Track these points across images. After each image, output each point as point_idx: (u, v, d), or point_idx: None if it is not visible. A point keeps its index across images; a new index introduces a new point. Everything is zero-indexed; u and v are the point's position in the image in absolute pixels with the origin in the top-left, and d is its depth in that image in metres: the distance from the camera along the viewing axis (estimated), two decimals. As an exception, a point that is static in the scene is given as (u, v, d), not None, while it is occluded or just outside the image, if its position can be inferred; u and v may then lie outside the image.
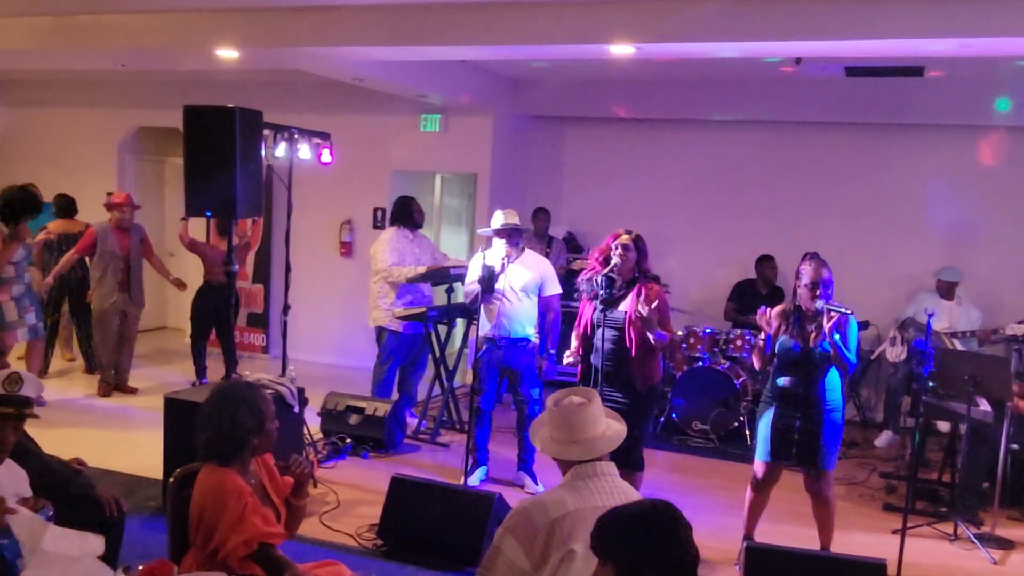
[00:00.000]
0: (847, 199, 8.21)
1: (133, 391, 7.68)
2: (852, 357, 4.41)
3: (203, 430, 2.95)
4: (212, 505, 2.87)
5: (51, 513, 2.56)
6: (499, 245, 5.49)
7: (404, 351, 6.91)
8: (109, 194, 8.09)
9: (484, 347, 5.58)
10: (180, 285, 7.91)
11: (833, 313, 4.32)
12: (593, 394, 2.82)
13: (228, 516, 2.84)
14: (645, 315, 4.55)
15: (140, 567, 2.11)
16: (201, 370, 7.69)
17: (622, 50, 5.61)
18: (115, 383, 7.70)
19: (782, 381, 4.54)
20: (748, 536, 4.78)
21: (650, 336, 4.61)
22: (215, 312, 7.39)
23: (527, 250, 5.70)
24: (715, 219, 8.62)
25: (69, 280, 7.87)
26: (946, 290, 7.19)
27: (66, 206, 8.10)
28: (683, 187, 8.69)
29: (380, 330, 6.86)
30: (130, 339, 7.79)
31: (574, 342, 4.95)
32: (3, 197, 6.58)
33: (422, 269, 6.68)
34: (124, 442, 6.34)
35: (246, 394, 3.02)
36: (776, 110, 8.14)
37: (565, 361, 5.00)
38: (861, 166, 8.18)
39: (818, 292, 4.39)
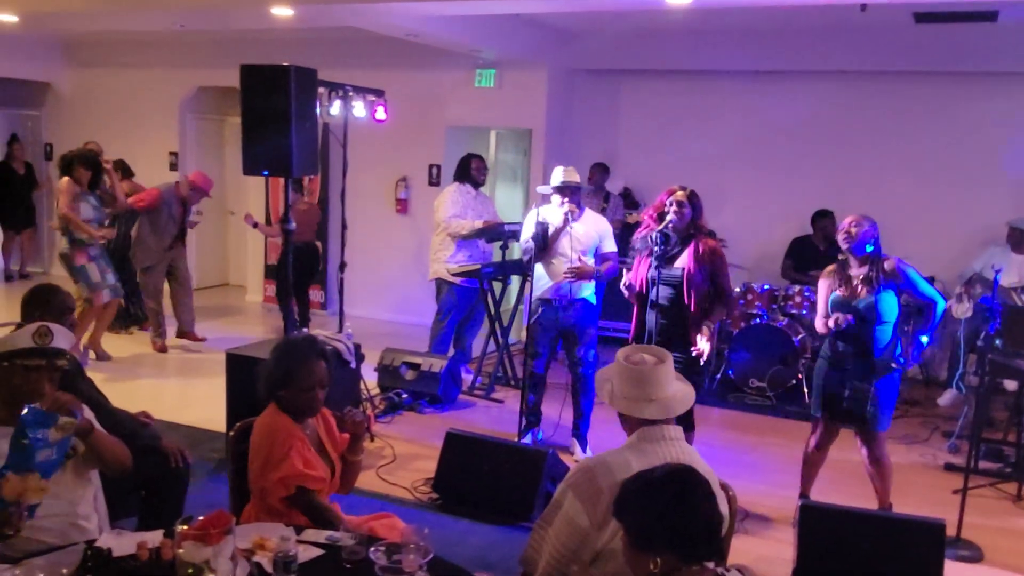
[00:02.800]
0: (912, 152, 7.95)
1: (201, 339, 7.85)
2: (931, 292, 4.38)
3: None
4: (261, 447, 2.97)
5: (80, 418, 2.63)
6: (556, 202, 5.38)
7: (462, 308, 6.97)
8: (173, 154, 8.17)
9: (540, 309, 5.48)
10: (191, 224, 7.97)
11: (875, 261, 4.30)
12: (666, 354, 2.78)
13: (272, 456, 2.92)
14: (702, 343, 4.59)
15: (200, 518, 2.17)
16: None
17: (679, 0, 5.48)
18: (180, 332, 7.91)
19: (836, 338, 4.47)
20: (804, 495, 4.74)
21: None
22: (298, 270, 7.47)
23: (586, 209, 5.61)
24: (773, 173, 8.43)
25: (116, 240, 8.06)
26: (1018, 240, 6.93)
27: (123, 169, 8.28)
28: (741, 141, 8.50)
29: (439, 284, 6.92)
30: (187, 286, 7.93)
31: (626, 276, 4.86)
32: (60, 159, 7.01)
33: (479, 224, 6.70)
34: (188, 396, 6.54)
35: (284, 346, 3.17)
36: (839, 60, 7.87)
37: (622, 285, 4.83)
38: (928, 117, 7.89)
39: (853, 231, 4.33)
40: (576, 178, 5.39)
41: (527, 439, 5.61)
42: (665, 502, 2.04)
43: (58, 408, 2.54)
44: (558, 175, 5.37)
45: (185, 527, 2.16)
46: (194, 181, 7.69)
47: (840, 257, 4.49)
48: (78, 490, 2.79)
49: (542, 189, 5.57)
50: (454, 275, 6.74)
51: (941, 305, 4.42)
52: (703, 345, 4.59)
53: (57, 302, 3.73)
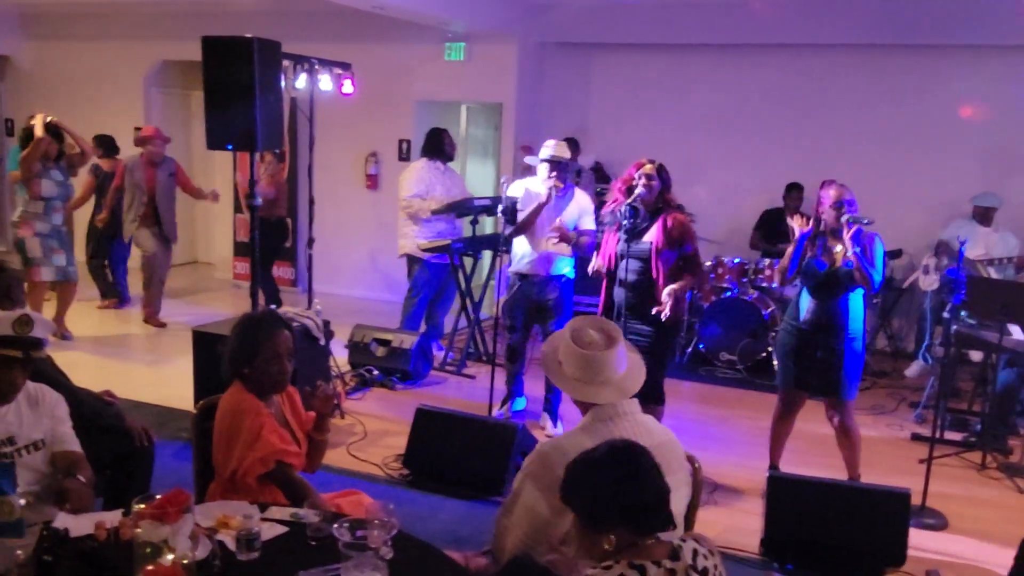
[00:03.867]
0: (880, 124, 7.98)
1: (162, 325, 7.78)
2: (877, 275, 4.32)
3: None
4: (229, 425, 2.92)
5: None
6: (543, 174, 5.28)
7: (434, 285, 6.92)
8: (137, 129, 8.11)
9: (516, 284, 5.49)
10: (214, 198, 7.85)
11: (853, 225, 4.26)
12: (617, 331, 2.72)
13: (245, 434, 2.88)
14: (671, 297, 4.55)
15: (157, 497, 2.14)
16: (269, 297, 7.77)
17: (648, -29, 5.43)
18: (145, 317, 7.83)
19: (804, 307, 4.49)
20: (773, 465, 4.79)
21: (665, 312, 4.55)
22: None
23: (573, 187, 5.53)
24: (744, 146, 8.44)
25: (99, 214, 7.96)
26: (982, 216, 7.01)
27: (107, 145, 8.15)
28: (711, 114, 8.49)
29: (410, 261, 6.86)
30: (158, 274, 7.81)
31: (595, 259, 4.87)
32: (23, 130, 6.90)
33: (435, 204, 6.61)
34: (156, 374, 6.46)
35: (246, 321, 3.12)
36: (808, 32, 7.86)
37: (590, 269, 4.88)
38: (896, 90, 7.92)
39: (843, 209, 4.32)
40: (567, 154, 5.35)
41: (501, 411, 5.62)
42: (612, 478, 2.03)
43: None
44: (548, 148, 5.32)
45: (143, 506, 2.13)
46: (140, 135, 7.58)
47: (819, 229, 4.46)
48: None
49: (530, 160, 5.52)
50: (424, 251, 6.69)
51: (870, 288, 4.38)
52: (665, 296, 4.55)
53: (3, 279, 3.65)
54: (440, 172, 6.79)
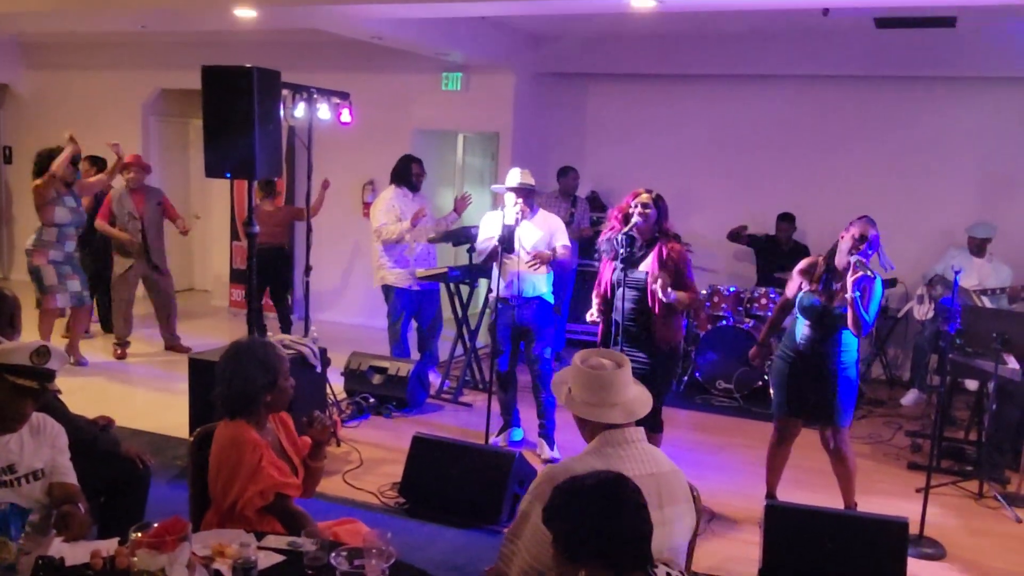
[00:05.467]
0: (875, 155, 8.05)
1: (187, 350, 7.59)
2: (869, 318, 4.32)
3: (218, 386, 2.99)
4: (228, 458, 2.91)
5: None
6: (510, 201, 5.38)
7: (412, 307, 6.89)
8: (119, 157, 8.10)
9: (498, 308, 5.54)
10: (184, 230, 7.81)
11: (859, 270, 4.24)
12: (624, 358, 2.75)
13: (244, 468, 2.87)
14: (664, 298, 4.51)
15: (155, 525, 2.13)
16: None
17: (644, 3, 5.50)
18: (167, 344, 7.83)
19: (799, 337, 4.51)
20: (770, 494, 4.77)
21: (662, 297, 4.54)
22: (266, 274, 7.35)
23: (539, 209, 5.65)
24: (739, 176, 8.50)
25: (92, 244, 7.92)
26: (977, 246, 7.05)
27: (101, 165, 8.16)
28: (707, 144, 8.56)
29: (386, 288, 6.87)
30: (167, 299, 7.81)
31: (595, 300, 4.91)
32: (37, 155, 6.94)
33: (406, 226, 6.59)
34: (153, 402, 6.44)
35: (258, 350, 3.04)
36: (802, 64, 7.96)
37: (588, 319, 4.97)
38: (890, 121, 8.00)
39: (862, 246, 4.29)
40: (531, 181, 5.46)
41: (498, 439, 5.62)
42: (593, 511, 2.01)
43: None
44: (515, 176, 5.41)
45: (140, 534, 2.12)
46: (127, 162, 7.52)
47: (828, 261, 4.45)
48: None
49: (496, 188, 5.61)
50: (420, 279, 6.70)
51: (859, 334, 4.38)
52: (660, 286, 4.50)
53: (6, 306, 3.65)
54: (408, 199, 6.79)
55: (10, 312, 3.65)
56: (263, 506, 2.89)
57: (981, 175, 7.74)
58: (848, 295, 4.22)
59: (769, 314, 7.14)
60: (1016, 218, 7.53)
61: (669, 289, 4.52)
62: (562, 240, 5.53)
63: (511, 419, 5.81)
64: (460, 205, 6.96)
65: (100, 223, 7.46)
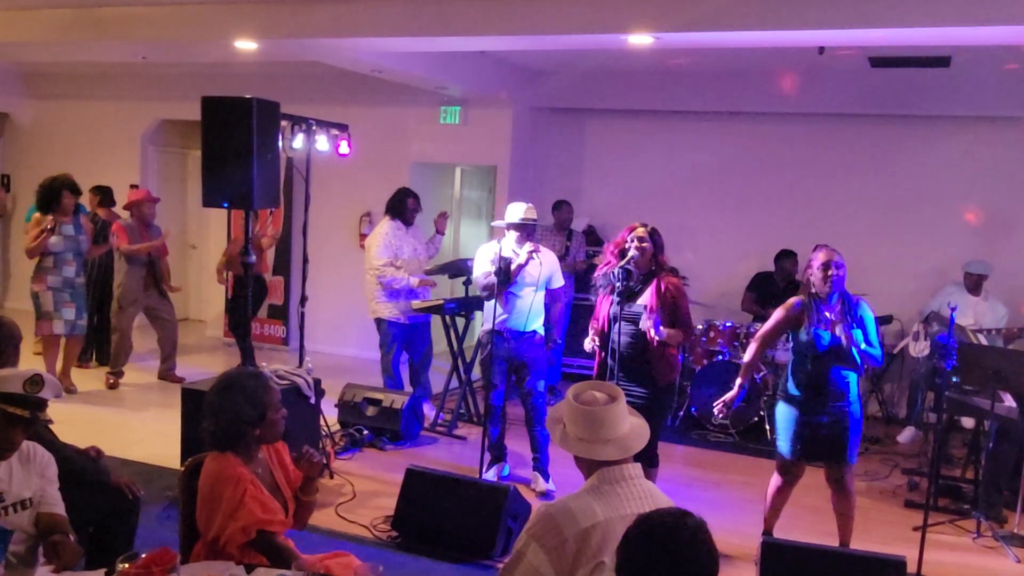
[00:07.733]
0: (870, 192, 8.10)
1: (180, 380, 7.59)
2: (877, 351, 4.34)
3: (205, 420, 2.95)
4: (211, 493, 2.88)
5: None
6: (512, 237, 5.41)
7: (404, 338, 6.88)
8: (133, 186, 8.14)
9: (491, 342, 5.50)
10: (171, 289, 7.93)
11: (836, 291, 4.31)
12: (618, 391, 2.71)
13: (226, 503, 2.83)
14: (656, 336, 4.53)
15: (143, 556, 2.10)
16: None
17: (641, 40, 5.56)
18: (163, 375, 7.81)
19: (803, 377, 4.47)
20: (767, 531, 4.73)
21: (653, 335, 4.56)
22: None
23: (539, 246, 5.66)
24: (735, 212, 8.54)
25: (92, 273, 7.91)
26: (974, 284, 7.05)
27: (105, 195, 8.23)
28: (703, 180, 8.60)
29: (378, 320, 6.86)
30: (172, 330, 7.83)
31: (592, 332, 4.89)
32: (40, 187, 6.98)
33: (415, 282, 6.65)
34: (144, 432, 6.38)
35: (247, 383, 3.00)
36: (797, 102, 8.03)
37: (586, 347, 4.93)
38: (885, 159, 8.06)
39: (830, 272, 4.34)
40: (534, 216, 5.46)
41: (490, 474, 5.56)
42: (652, 549, 1.92)
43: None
44: (518, 211, 5.39)
45: (127, 565, 2.08)
46: (131, 199, 7.59)
47: (808, 294, 4.48)
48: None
49: (497, 223, 5.60)
50: (416, 311, 6.69)
51: (875, 363, 4.44)
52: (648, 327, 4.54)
53: (3, 335, 3.64)
54: (404, 232, 6.82)
55: (16, 342, 3.66)
56: (247, 542, 2.84)
57: (977, 214, 7.78)
58: (839, 330, 4.25)
59: (767, 351, 7.13)
60: (1012, 256, 7.56)
61: (661, 327, 4.52)
62: (559, 281, 5.61)
63: (501, 454, 5.77)
64: (440, 223, 7.04)
65: (127, 247, 7.43)
